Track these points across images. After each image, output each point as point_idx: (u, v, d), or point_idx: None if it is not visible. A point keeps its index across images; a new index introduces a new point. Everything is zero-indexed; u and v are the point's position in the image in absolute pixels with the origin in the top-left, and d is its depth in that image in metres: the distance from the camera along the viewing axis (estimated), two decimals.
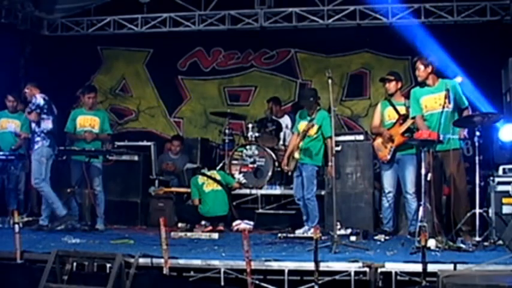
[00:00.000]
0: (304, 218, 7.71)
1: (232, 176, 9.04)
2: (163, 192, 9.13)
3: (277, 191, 9.13)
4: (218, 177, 8.51)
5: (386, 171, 7.50)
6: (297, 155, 7.51)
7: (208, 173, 8.55)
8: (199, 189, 8.39)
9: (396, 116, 7.43)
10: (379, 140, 7.52)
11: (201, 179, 8.47)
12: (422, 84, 6.89)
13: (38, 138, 7.91)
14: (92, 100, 8.35)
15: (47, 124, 7.93)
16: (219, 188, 8.41)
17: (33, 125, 7.99)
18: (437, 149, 6.51)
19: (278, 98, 10.46)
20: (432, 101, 6.78)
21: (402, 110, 7.42)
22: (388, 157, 7.37)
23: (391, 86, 7.51)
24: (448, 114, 6.59)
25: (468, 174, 6.83)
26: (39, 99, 7.93)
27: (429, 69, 6.81)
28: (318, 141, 7.57)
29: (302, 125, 7.68)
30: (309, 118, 7.64)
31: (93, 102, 8.39)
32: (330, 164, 7.13)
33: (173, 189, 9.27)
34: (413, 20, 10.12)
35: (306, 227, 7.58)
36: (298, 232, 7.48)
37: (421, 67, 6.84)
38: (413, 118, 7.02)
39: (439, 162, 6.59)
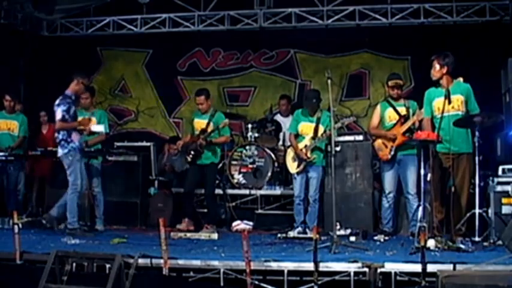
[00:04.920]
0: (300, 219, 7.74)
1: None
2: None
3: (277, 191, 9.11)
4: None
5: (387, 171, 7.52)
6: (309, 154, 7.63)
7: None
8: None
9: (397, 117, 7.48)
10: (379, 140, 7.56)
11: None
12: (437, 85, 6.73)
13: None
14: (85, 101, 8.29)
15: None
16: None
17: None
18: (450, 151, 6.49)
19: (290, 97, 10.50)
20: (445, 104, 6.53)
21: (403, 111, 7.47)
22: (389, 156, 7.40)
23: (400, 92, 7.55)
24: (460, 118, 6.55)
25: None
26: None
27: (444, 69, 6.65)
28: (323, 142, 7.67)
29: (304, 125, 7.75)
30: (313, 119, 7.70)
31: (88, 103, 8.35)
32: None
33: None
34: (412, 20, 10.14)
35: (300, 228, 7.62)
36: (293, 233, 7.51)
37: (437, 66, 6.67)
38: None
39: (438, 162, 6.58)
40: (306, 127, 7.80)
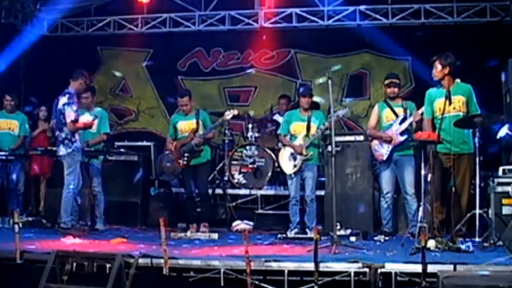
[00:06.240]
0: (296, 219, 7.73)
1: None
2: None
3: (277, 191, 9.11)
4: None
5: (384, 171, 7.52)
6: (305, 151, 7.62)
7: None
8: None
9: (394, 118, 7.47)
10: (376, 141, 7.56)
11: None
12: (438, 85, 6.74)
13: None
14: (86, 100, 8.24)
15: None
16: None
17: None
18: (451, 152, 6.49)
19: (290, 97, 10.53)
20: (446, 104, 6.52)
21: (400, 111, 7.47)
22: (385, 157, 7.40)
23: (396, 90, 7.54)
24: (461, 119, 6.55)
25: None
26: None
27: (446, 70, 6.63)
28: (316, 139, 7.69)
29: (296, 125, 7.76)
30: (304, 118, 7.72)
31: (89, 102, 8.33)
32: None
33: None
34: (413, 21, 10.14)
35: (296, 230, 7.63)
36: (289, 234, 7.52)
37: (439, 67, 6.66)
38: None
39: (439, 162, 6.59)
40: (298, 126, 7.78)
